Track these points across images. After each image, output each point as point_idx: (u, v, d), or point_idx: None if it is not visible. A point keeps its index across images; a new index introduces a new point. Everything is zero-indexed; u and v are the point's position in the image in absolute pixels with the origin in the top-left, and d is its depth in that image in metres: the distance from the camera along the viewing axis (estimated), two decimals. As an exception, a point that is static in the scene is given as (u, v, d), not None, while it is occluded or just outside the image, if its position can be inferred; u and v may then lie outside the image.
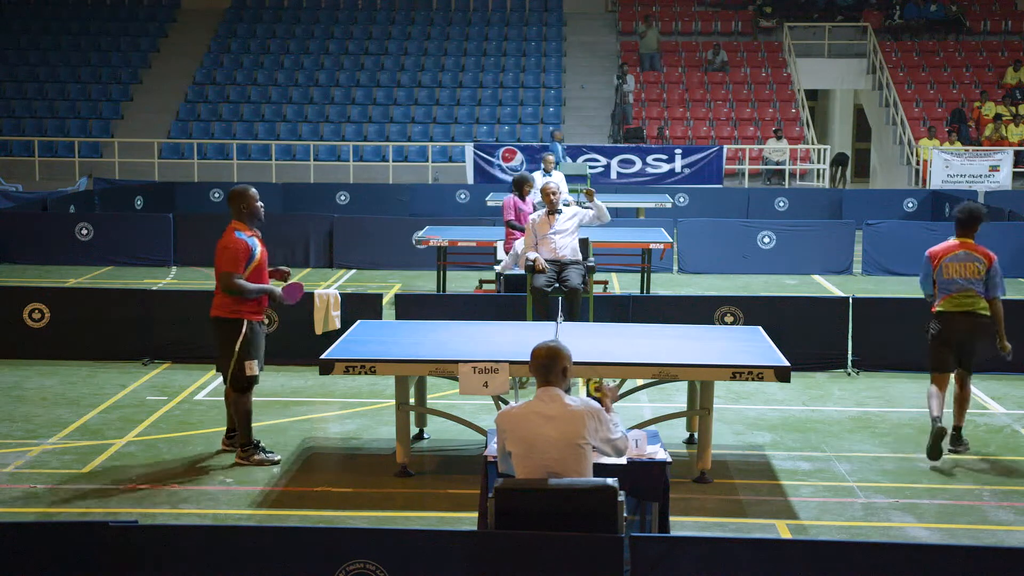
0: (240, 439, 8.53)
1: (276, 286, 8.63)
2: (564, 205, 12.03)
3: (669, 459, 6.60)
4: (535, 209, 13.06)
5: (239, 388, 8.45)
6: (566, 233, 11.76)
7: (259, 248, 8.50)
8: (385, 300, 12.34)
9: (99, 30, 32.26)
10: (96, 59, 31.18)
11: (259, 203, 8.60)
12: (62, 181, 25.98)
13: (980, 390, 10.78)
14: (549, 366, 5.88)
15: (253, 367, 8.42)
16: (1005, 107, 28.16)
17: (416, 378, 8.58)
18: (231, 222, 8.56)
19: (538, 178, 18.29)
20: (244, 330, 8.38)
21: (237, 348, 8.37)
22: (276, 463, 8.49)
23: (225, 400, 8.73)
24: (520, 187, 13.79)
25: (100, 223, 18.42)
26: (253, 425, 8.56)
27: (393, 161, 27.62)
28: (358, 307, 11.41)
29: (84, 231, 18.24)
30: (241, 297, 8.37)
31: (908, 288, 16.32)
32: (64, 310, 11.75)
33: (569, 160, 23.86)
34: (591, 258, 12.38)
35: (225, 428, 8.87)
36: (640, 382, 9.39)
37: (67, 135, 28.46)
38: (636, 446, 6.57)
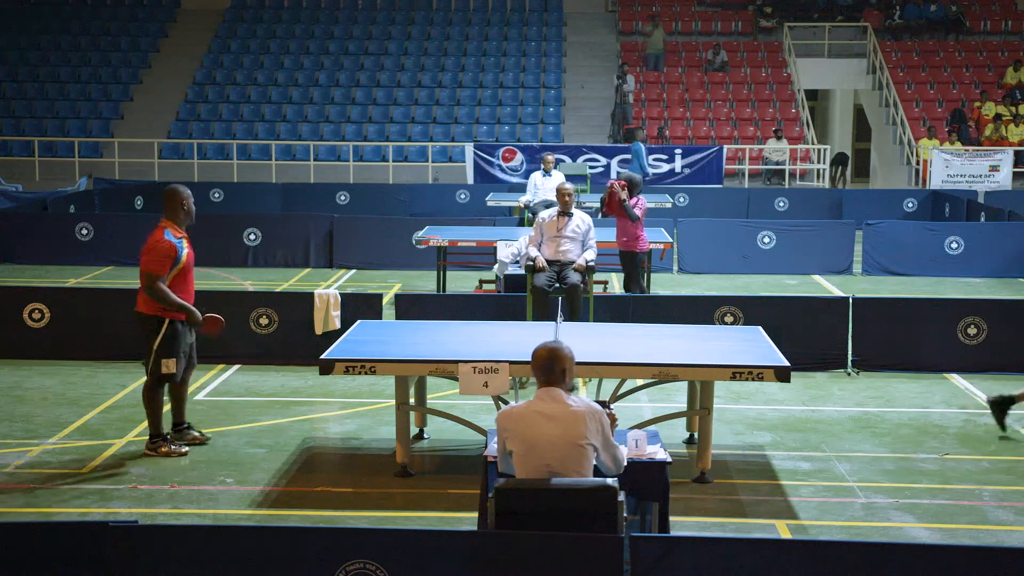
0: (151, 430, 8.66)
1: (202, 312, 8.66)
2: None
3: (669, 459, 6.60)
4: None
5: (153, 383, 8.56)
6: (572, 239, 11.70)
7: (186, 251, 8.59)
8: (385, 300, 12.34)
9: (99, 30, 32.26)
10: (96, 59, 31.19)
11: (192, 203, 8.77)
12: (62, 181, 25.98)
13: (980, 390, 10.78)
14: (549, 367, 5.87)
15: (171, 365, 8.52)
16: (1005, 107, 28.16)
17: (416, 378, 8.58)
18: (162, 220, 8.62)
19: (537, 178, 18.32)
20: (164, 328, 8.49)
21: (155, 346, 8.49)
22: (184, 454, 8.63)
23: (171, 394, 8.81)
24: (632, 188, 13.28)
25: (100, 223, 18.41)
26: (254, 425, 8.56)
27: (393, 161, 27.63)
28: (358, 307, 11.41)
29: (84, 231, 18.24)
30: (160, 302, 8.46)
31: (908, 288, 16.34)
32: (64, 310, 11.75)
33: (647, 163, 23.93)
34: (592, 259, 12.34)
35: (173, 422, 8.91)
36: (640, 382, 9.39)
37: (67, 135, 28.46)
38: (636, 446, 6.57)
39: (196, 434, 8.92)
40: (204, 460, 8.59)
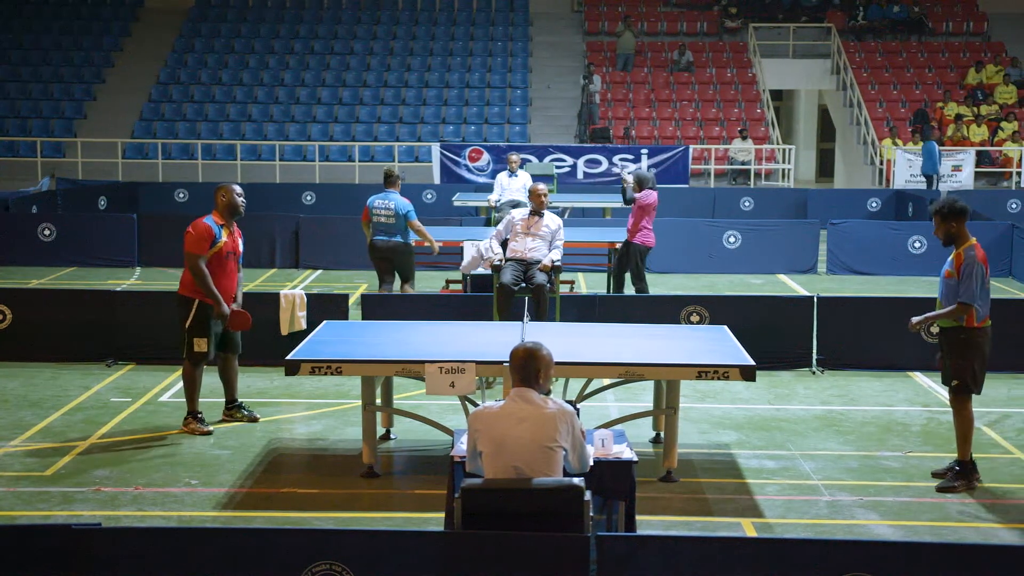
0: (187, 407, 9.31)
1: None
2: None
3: (635, 458, 6.61)
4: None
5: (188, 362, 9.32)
6: (540, 238, 11.72)
7: (224, 239, 9.86)
8: (351, 300, 12.31)
9: (62, 28, 31.98)
10: (59, 58, 30.91)
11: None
12: (24, 181, 25.73)
13: (943, 388, 10.85)
14: (524, 366, 5.86)
15: (202, 344, 9.31)
16: (967, 107, 28.41)
17: (382, 378, 8.56)
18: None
19: (503, 178, 18.30)
20: (195, 309, 9.40)
21: (187, 325, 9.25)
22: (207, 433, 9.17)
23: (220, 376, 9.62)
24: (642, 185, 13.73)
25: (63, 223, 18.26)
26: (219, 426, 8.61)
27: (359, 161, 27.55)
28: (324, 307, 11.37)
29: (47, 232, 18.08)
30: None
31: (872, 287, 16.46)
32: (26, 311, 11.63)
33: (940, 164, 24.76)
34: (558, 259, 12.36)
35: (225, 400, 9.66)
36: (607, 381, 9.41)
37: (29, 134, 28.19)
38: (602, 445, 6.58)
39: (244, 413, 9.55)
40: (169, 462, 8.54)
